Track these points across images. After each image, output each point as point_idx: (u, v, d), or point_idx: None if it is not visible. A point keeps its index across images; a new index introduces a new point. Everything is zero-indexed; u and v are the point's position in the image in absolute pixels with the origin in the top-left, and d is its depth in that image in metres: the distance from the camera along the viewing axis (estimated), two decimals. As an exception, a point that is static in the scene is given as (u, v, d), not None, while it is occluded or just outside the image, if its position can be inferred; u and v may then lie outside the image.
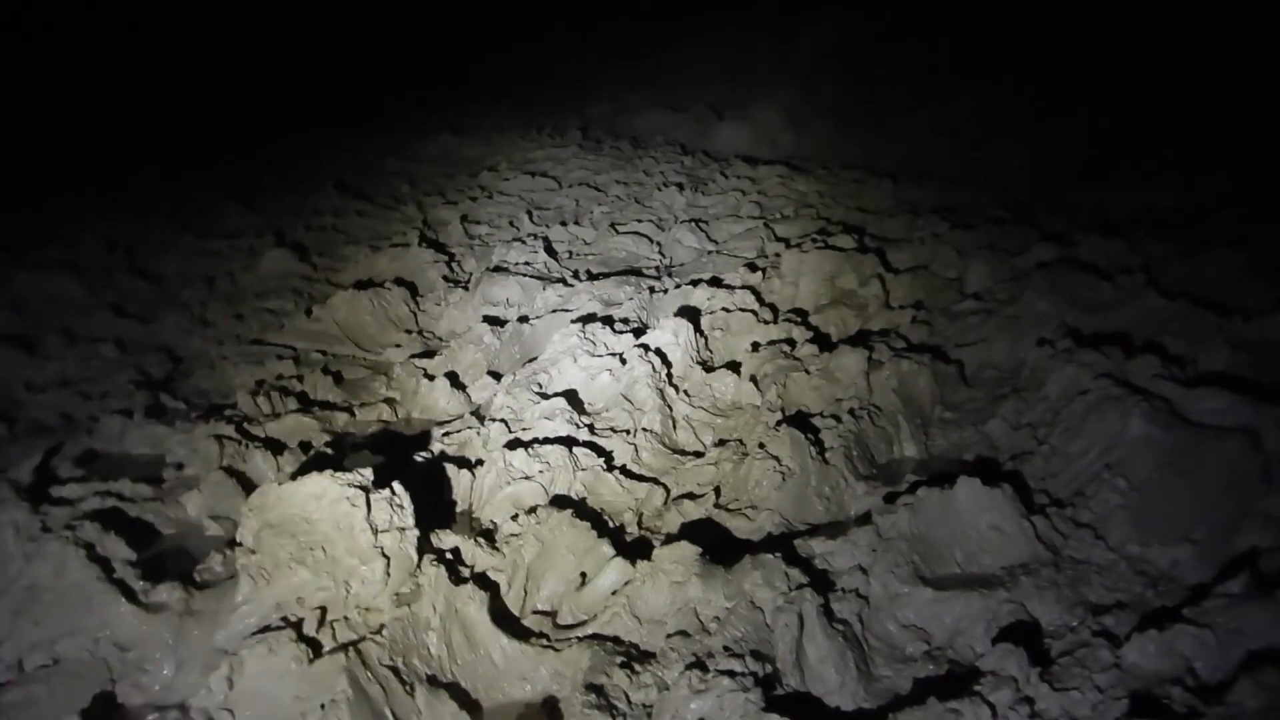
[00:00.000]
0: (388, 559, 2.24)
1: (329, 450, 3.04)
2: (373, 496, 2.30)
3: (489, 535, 2.57)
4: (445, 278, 4.71)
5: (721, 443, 3.02)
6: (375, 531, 2.26)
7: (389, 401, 3.48)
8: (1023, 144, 5.84)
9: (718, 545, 2.48)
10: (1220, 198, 4.58)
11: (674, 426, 3.11)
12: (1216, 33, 6.34)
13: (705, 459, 2.94)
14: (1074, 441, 2.67)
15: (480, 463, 2.91)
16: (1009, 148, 5.86)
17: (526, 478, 2.75)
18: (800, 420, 2.95)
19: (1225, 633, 1.87)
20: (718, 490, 2.77)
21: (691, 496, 2.78)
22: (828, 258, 4.09)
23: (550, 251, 4.86)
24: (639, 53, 10.24)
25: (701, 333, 3.56)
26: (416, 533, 2.33)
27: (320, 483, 2.30)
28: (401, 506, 2.34)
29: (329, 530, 2.25)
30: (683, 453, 3.03)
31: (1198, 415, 2.60)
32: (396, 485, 2.37)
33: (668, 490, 2.82)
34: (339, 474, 2.33)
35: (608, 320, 3.76)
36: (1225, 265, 3.59)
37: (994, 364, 3.37)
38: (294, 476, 2.43)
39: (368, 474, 2.36)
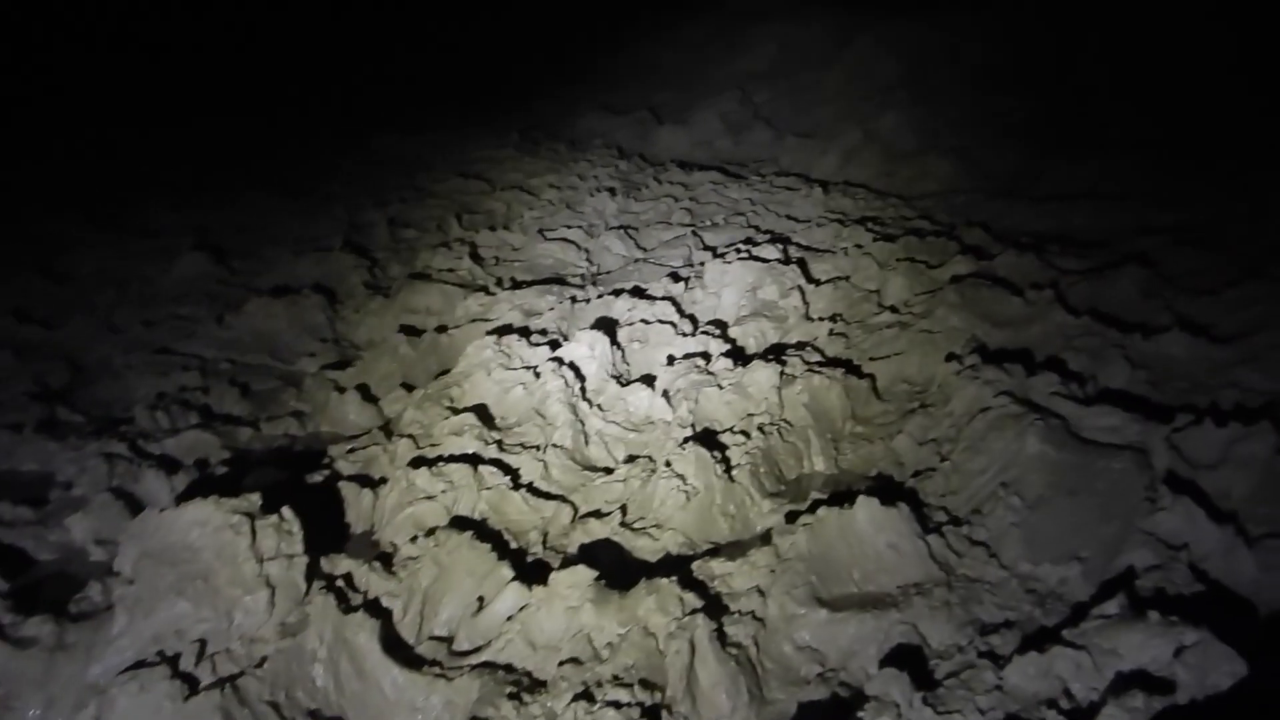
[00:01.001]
0: (273, 588, 2.18)
1: (226, 469, 2.94)
2: (259, 523, 2.23)
3: (387, 559, 2.51)
4: (366, 283, 4.61)
5: (632, 459, 3.00)
6: (260, 560, 2.19)
7: (297, 415, 3.39)
8: (951, 158, 5.93)
9: (619, 566, 2.46)
10: (1139, 216, 4.70)
11: (585, 442, 3.08)
12: (1184, 36, 6.52)
13: (615, 476, 2.92)
14: (974, 459, 2.71)
15: (384, 481, 2.84)
16: (939, 160, 5.94)
17: (429, 497, 2.69)
18: (709, 437, 2.94)
19: (1100, 654, 1.90)
20: (624, 509, 2.74)
21: (598, 515, 2.75)
22: (750, 268, 4.09)
23: (475, 257, 4.78)
24: (584, 58, 10.20)
25: (618, 345, 3.53)
26: (306, 559, 2.26)
27: (203, 509, 2.22)
28: (290, 533, 2.27)
29: (211, 559, 2.17)
30: (593, 469, 3.00)
31: (1092, 433, 2.66)
32: (286, 510, 2.30)
33: (575, 508, 2.79)
34: (224, 499, 2.26)
35: (525, 331, 3.71)
36: (1131, 282, 3.68)
37: (906, 378, 3.40)
38: (179, 501, 2.35)
39: (255, 499, 2.28)
